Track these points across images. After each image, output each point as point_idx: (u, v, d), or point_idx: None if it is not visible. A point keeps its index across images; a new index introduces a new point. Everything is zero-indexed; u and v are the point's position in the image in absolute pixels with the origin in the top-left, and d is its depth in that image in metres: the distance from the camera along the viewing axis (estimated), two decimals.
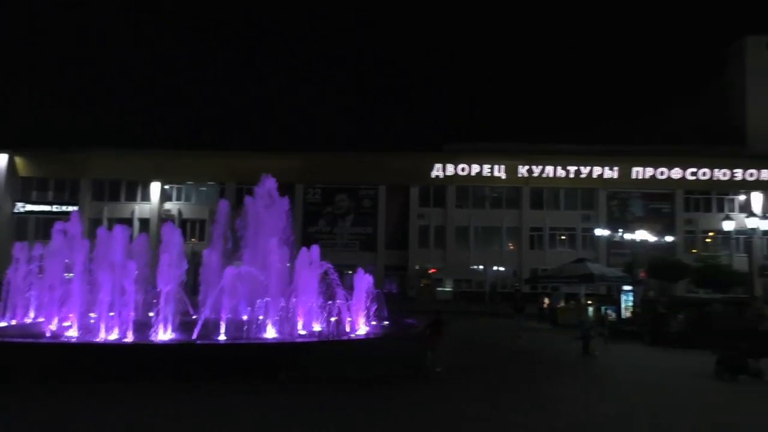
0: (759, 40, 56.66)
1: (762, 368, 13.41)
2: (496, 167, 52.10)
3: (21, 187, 52.45)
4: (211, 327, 12.69)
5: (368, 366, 11.43)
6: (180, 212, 52.47)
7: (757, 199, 50.30)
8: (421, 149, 54.85)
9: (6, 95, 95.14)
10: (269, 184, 19.11)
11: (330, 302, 13.62)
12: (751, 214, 28.22)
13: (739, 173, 51.24)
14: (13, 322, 15.04)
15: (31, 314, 15.40)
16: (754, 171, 51.11)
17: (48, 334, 12.74)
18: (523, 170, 52.00)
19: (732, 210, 49.05)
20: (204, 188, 53.94)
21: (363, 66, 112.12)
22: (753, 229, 26.34)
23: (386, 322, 15.98)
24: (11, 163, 51.77)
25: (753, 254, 28.92)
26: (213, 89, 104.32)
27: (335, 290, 13.88)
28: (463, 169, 51.98)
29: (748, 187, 51.29)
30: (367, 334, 13.93)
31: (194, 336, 11.88)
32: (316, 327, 13.74)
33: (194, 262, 20.99)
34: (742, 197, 51.50)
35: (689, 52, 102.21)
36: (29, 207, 51.83)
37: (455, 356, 15.27)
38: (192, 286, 19.74)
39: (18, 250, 15.97)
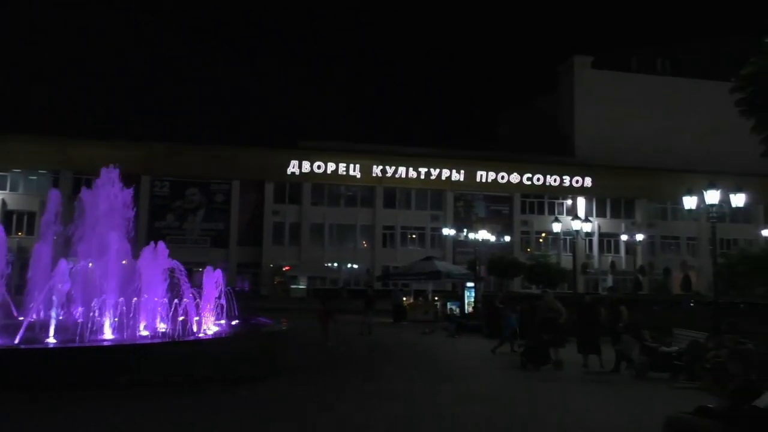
0: (585, 60, 63.08)
1: (561, 359, 14.66)
2: (351, 166, 52.87)
3: None
4: (39, 330, 11.50)
5: (216, 366, 11.02)
6: (4, 202, 47.08)
7: (581, 203, 55.99)
8: (277, 145, 54.11)
9: None
10: (110, 173, 17.75)
11: (176, 301, 12.93)
12: (576, 217, 31.36)
13: (567, 180, 56.64)
14: None
15: None
16: (579, 178, 56.81)
17: None
18: (377, 170, 53.29)
19: (561, 213, 54.13)
20: (34, 177, 48.82)
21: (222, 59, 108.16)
22: (577, 231, 29.25)
23: (237, 321, 15.54)
24: None
25: (576, 253, 32.10)
26: (44, 68, 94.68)
27: (182, 288, 13.20)
28: (319, 167, 52.14)
29: (574, 192, 56.92)
30: (216, 333, 13.45)
31: (17, 340, 10.67)
32: (161, 327, 12.99)
33: (21, 258, 19.00)
34: (569, 201, 57.00)
35: (529, 67, 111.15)
36: None
37: (302, 354, 15.31)
38: (18, 285, 17.79)
39: None
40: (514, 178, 55.99)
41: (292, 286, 49.98)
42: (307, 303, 38.00)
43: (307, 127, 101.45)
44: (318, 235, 52.59)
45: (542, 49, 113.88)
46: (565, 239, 52.80)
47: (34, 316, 12.04)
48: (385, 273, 46.23)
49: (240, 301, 16.24)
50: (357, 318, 22.96)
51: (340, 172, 52.74)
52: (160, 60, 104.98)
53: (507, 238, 50.98)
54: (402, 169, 53.81)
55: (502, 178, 55.80)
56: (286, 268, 50.38)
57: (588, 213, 51.49)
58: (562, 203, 57.39)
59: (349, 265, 52.83)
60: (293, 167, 51.70)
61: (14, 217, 46.24)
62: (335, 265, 52.14)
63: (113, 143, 46.55)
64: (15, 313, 14.90)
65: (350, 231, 53.73)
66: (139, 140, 49.84)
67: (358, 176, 53.13)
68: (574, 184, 56.91)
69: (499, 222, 54.76)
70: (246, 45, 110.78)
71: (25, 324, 11.05)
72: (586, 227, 30.48)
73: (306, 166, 51.91)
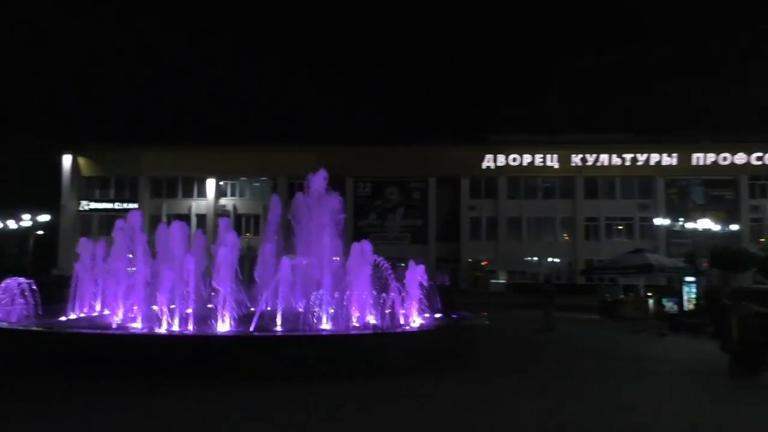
0: None
1: None
2: (548, 157, 51.15)
3: (85, 186, 54.70)
4: (268, 319, 12.93)
5: (421, 357, 11.44)
6: (235, 207, 53.68)
7: None
8: (470, 141, 54.20)
9: (62, 93, 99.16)
10: (320, 178, 19.29)
11: (383, 295, 13.65)
12: None
13: None
14: (82, 315, 15.71)
15: (97, 307, 16.06)
16: None
17: (114, 326, 13.26)
18: (576, 159, 50.86)
19: None
20: (257, 183, 54.98)
21: (398, 61, 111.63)
22: None
23: (439, 315, 15.92)
24: (75, 164, 53.98)
25: None
26: (258, 86, 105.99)
27: (388, 283, 13.89)
28: (514, 160, 51.28)
29: None
30: (421, 326, 13.92)
31: (252, 328, 12.13)
32: (370, 319, 13.81)
33: (249, 256, 21.42)
34: None
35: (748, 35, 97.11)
36: (93, 205, 54.00)
37: (502, 348, 15.12)
38: (248, 280, 20.17)
39: (83, 246, 16.62)
40: (739, 158, 49.53)
41: (492, 281, 49.82)
42: (506, 298, 37.62)
43: (494, 121, 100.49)
44: (515, 229, 51.75)
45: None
46: None
47: (264, 308, 13.54)
48: (588, 267, 43.88)
49: (441, 295, 16.61)
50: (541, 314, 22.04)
51: (536, 164, 51.32)
52: (348, 70, 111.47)
53: (733, 227, 45.20)
54: (604, 157, 50.67)
55: (725, 159, 49.72)
56: (485, 262, 50.37)
57: None
58: None
59: (549, 259, 51.16)
60: (488, 162, 51.51)
61: (243, 220, 52.56)
62: (535, 259, 50.85)
63: (319, 149, 50.53)
64: (248, 305, 16.99)
65: (549, 224, 52.01)
66: (341, 145, 53.50)
67: (556, 167, 51.19)
68: None
69: (722, 208, 48.87)
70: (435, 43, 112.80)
71: (257, 314, 12.51)
72: None
73: (501, 159, 51.38)
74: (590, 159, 50.77)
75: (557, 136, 52.32)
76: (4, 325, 12.40)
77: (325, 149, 50.70)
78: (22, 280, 13.52)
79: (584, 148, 50.69)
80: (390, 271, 14.14)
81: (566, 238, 51.75)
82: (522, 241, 51.29)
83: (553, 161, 51.16)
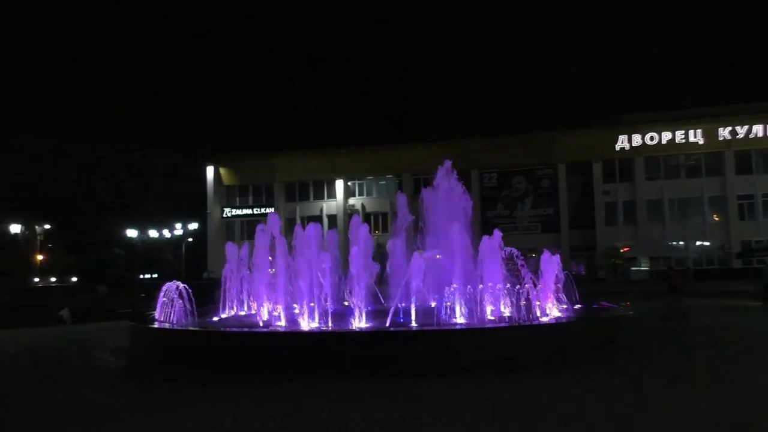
0: None
1: None
2: (691, 132, 47.27)
3: (226, 194, 58.92)
4: (402, 315, 13.16)
5: (562, 350, 11.07)
6: (363, 206, 55.14)
7: None
8: (600, 123, 51.43)
9: (200, 110, 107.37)
10: (445, 171, 19.30)
11: (518, 287, 13.38)
12: None
13: None
14: (231, 314, 16.96)
15: (245, 307, 17.24)
16: None
17: (261, 324, 14.16)
18: (724, 132, 46.54)
19: None
20: (383, 182, 56.09)
21: (514, 48, 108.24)
22: None
23: (578, 305, 15.34)
24: (216, 174, 58.33)
25: None
26: (379, 86, 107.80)
27: (522, 274, 13.61)
28: (651, 138, 47.99)
29: None
30: (558, 318, 13.49)
31: (387, 323, 12.41)
32: (505, 312, 13.61)
33: (379, 253, 21.93)
34: None
35: None
36: (234, 212, 58.07)
37: (645, 338, 14.19)
38: (379, 276, 20.67)
39: (229, 250, 17.90)
40: None
41: (633, 268, 47.02)
42: (649, 286, 35.32)
43: (630, 101, 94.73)
44: (656, 212, 48.40)
45: None
46: None
47: (398, 303, 13.79)
48: (745, 249, 40.06)
49: (577, 285, 15.98)
50: (705, 301, 20.19)
51: (677, 141, 47.63)
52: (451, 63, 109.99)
53: None
54: (757, 128, 45.88)
55: None
56: (624, 249, 47.63)
57: None
58: None
59: (698, 243, 47.31)
60: (622, 143, 48.60)
61: (371, 218, 53.87)
62: (681, 243, 47.25)
63: (440, 144, 50.53)
64: (382, 300, 17.40)
65: (695, 204, 48.05)
66: (464, 138, 53.08)
67: (701, 142, 47.18)
68: None
69: None
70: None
71: (392, 310, 12.77)
72: None
73: (636, 139, 48.26)
74: (741, 131, 46.21)
75: (700, 109, 48.19)
76: (167, 325, 13.68)
77: (448, 144, 50.56)
78: (179, 283, 14.82)
79: (733, 120, 46.22)
80: (523, 262, 13.84)
81: (716, 219, 47.54)
82: (664, 225, 47.86)
83: (696, 137, 47.21)
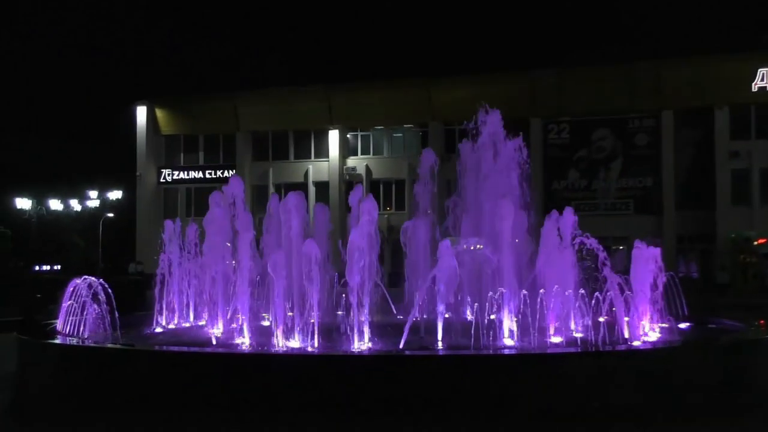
0: None
1: None
2: None
3: (165, 149, 59.05)
4: (424, 331, 13.22)
5: (657, 391, 11.07)
6: (369, 170, 55.08)
7: None
8: (730, 49, 50.82)
9: (141, 37, 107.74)
10: (493, 120, 19.23)
11: (596, 294, 13.40)
12: None
13: None
14: (171, 326, 17.11)
15: (191, 315, 17.39)
16: None
17: (214, 342, 14.29)
18: None
19: None
20: (399, 134, 55.93)
21: None
22: None
23: (686, 324, 15.33)
24: (152, 119, 58.28)
25: None
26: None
27: (603, 275, 13.62)
28: None
29: None
30: (657, 341, 13.49)
31: (401, 344, 12.46)
32: (576, 332, 13.67)
33: (392, 240, 21.91)
34: None
35: None
36: (177, 174, 58.18)
37: None
38: (391, 274, 20.75)
39: (170, 231, 17.95)
40: None
41: None
42: None
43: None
44: None
45: None
46: None
47: (417, 315, 13.82)
48: None
49: (687, 293, 15.98)
50: None
51: None
52: None
53: None
54: None
55: None
56: (760, 241, 47.43)
57: None
58: None
59: None
60: (762, 80, 48.10)
61: (380, 187, 53.86)
62: None
63: (487, 79, 50.18)
64: (394, 310, 17.48)
65: None
66: (520, 71, 52.64)
67: None
68: None
69: None
70: None
71: (408, 324, 12.81)
72: None
73: None
74: None
75: None
76: (74, 342, 13.78)
77: (496, 78, 50.23)
78: (93, 279, 14.88)
79: None
80: (605, 258, 13.83)
81: None
82: None
83: None
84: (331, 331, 13.58)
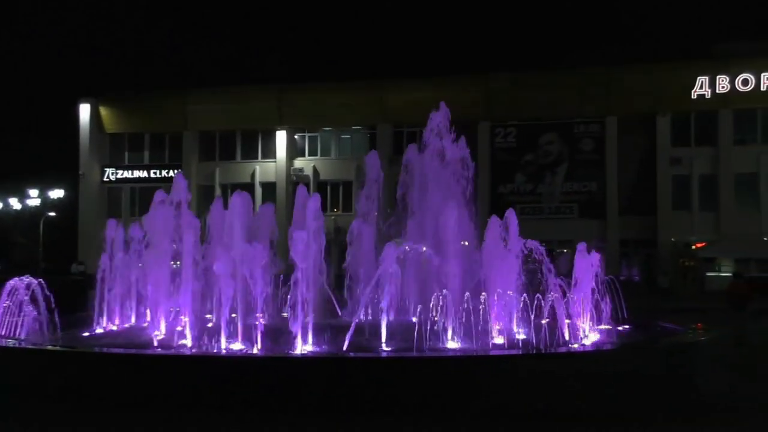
0: None
1: None
2: None
3: (109, 147, 58.29)
4: (369, 334, 13.21)
5: (596, 394, 11.22)
6: (316, 171, 55.05)
7: None
8: (671, 56, 51.78)
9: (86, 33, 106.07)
10: (440, 120, 19.29)
11: (538, 296, 13.53)
12: None
13: None
14: (113, 328, 16.87)
15: (133, 317, 17.16)
16: None
17: (155, 344, 14.11)
18: None
19: None
20: (347, 135, 56.00)
21: None
22: None
23: (626, 326, 15.58)
24: (96, 117, 57.49)
25: None
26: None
27: (544, 278, 13.77)
28: (745, 82, 48.52)
29: None
30: (597, 343, 13.68)
31: (345, 346, 12.45)
32: (519, 334, 13.78)
33: (338, 240, 21.93)
34: None
35: None
36: (121, 173, 57.47)
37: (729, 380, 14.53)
38: (337, 276, 20.74)
39: (111, 231, 17.72)
40: None
41: (709, 274, 47.84)
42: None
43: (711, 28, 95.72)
44: (750, 192, 49.17)
45: None
46: None
47: (362, 316, 13.83)
48: None
49: (628, 297, 16.21)
50: None
51: None
52: None
53: None
54: None
55: None
56: (698, 245, 48.41)
57: None
58: None
59: None
60: (701, 88, 49.08)
61: (328, 188, 53.79)
62: None
63: (439, 81, 50.40)
64: (338, 312, 17.49)
65: None
66: (471, 74, 53.03)
67: None
68: None
69: None
70: None
71: (353, 326, 12.82)
72: None
73: (723, 83, 48.75)
74: None
75: None
76: (11, 343, 13.51)
77: (445, 81, 50.52)
78: (31, 280, 14.62)
79: None
80: (548, 262, 13.99)
81: None
82: (761, 211, 48.69)
83: None
84: (276, 332, 13.51)
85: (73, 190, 58.27)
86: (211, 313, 15.23)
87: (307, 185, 42.22)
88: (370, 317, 14.41)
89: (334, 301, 17.11)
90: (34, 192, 58.02)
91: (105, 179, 57.76)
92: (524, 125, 52.47)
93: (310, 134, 56.38)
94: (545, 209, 51.06)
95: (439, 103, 20.14)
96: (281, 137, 55.52)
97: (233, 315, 13.53)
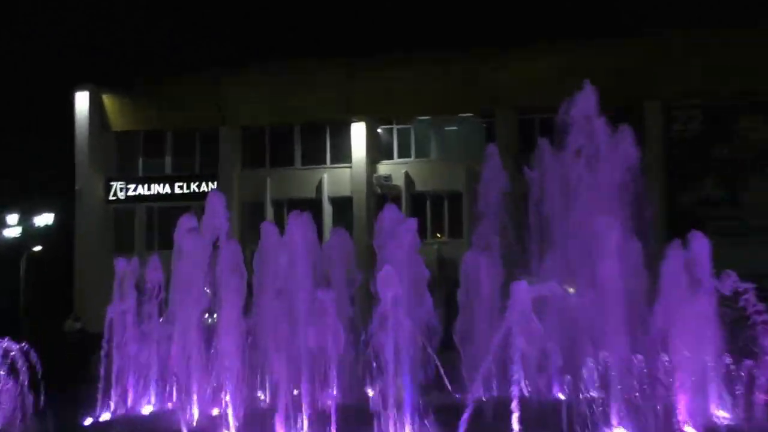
0: None
1: None
2: None
3: (116, 152, 59.11)
4: (493, 416, 13.09)
5: None
6: (409, 178, 54.86)
7: None
8: None
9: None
10: (587, 102, 19.15)
11: (747, 362, 13.25)
12: None
13: None
14: (124, 412, 17.12)
15: (152, 396, 17.38)
16: None
17: None
18: None
19: None
20: (453, 127, 55.80)
21: None
22: None
23: None
24: (97, 110, 58.31)
25: None
26: None
27: (755, 335, 13.46)
28: None
29: None
30: None
31: None
32: (721, 415, 13.48)
33: (443, 278, 21.90)
34: None
35: None
36: (133, 189, 58.12)
37: None
38: (446, 327, 20.72)
39: (122, 272, 17.99)
40: None
41: None
42: None
43: None
44: None
45: None
46: None
47: (482, 392, 13.70)
48: None
49: None
50: None
51: None
52: None
53: None
54: None
55: None
56: None
57: None
58: None
59: None
60: None
61: (427, 203, 53.55)
62: None
63: (584, 46, 49.83)
64: (447, 385, 17.37)
65: None
66: (623, 37, 51.96)
67: None
68: None
69: None
70: None
71: (469, 407, 12.67)
72: None
73: None
74: None
75: None
76: None
77: (596, 45, 49.97)
78: (12, 344, 14.91)
79: None
80: (759, 309, 13.64)
81: None
82: None
83: None
84: (357, 416, 13.50)
85: (67, 214, 59.09)
86: (262, 389, 15.32)
87: (397, 200, 42.37)
88: (494, 392, 14.28)
89: (441, 369, 16.97)
90: (12, 218, 58.93)
91: (111, 197, 58.35)
92: (713, 105, 51.45)
93: (398, 126, 56.22)
94: (750, 226, 49.82)
95: (578, 74, 20.05)
96: (358, 132, 55.40)
97: (295, 392, 13.59)
